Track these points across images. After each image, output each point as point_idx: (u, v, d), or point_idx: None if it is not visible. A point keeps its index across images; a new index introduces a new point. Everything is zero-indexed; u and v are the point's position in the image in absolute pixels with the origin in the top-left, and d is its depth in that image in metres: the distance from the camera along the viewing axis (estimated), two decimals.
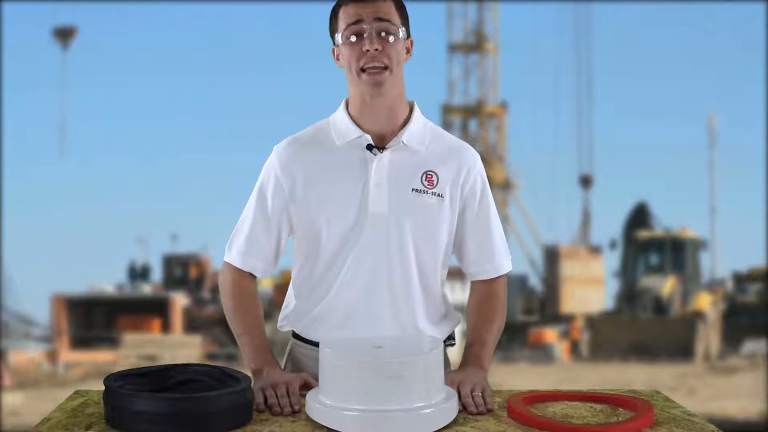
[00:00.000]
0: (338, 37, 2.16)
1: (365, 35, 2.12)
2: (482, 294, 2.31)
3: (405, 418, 1.82)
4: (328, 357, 1.88)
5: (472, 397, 2.01)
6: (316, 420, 1.88)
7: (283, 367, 2.28)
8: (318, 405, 1.88)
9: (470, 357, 2.20)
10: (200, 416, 1.82)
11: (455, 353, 2.42)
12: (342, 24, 2.15)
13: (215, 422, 1.83)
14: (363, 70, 2.13)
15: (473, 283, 2.33)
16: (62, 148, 39.39)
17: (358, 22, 2.12)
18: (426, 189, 2.20)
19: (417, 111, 2.25)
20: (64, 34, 34.02)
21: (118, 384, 1.91)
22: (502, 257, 2.31)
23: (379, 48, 2.12)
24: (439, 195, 2.21)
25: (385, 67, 2.13)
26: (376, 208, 2.18)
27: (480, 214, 2.27)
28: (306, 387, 2.04)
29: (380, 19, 2.12)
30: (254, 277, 2.28)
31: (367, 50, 2.12)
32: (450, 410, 1.90)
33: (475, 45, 35.94)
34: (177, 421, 1.80)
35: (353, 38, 2.13)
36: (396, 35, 2.14)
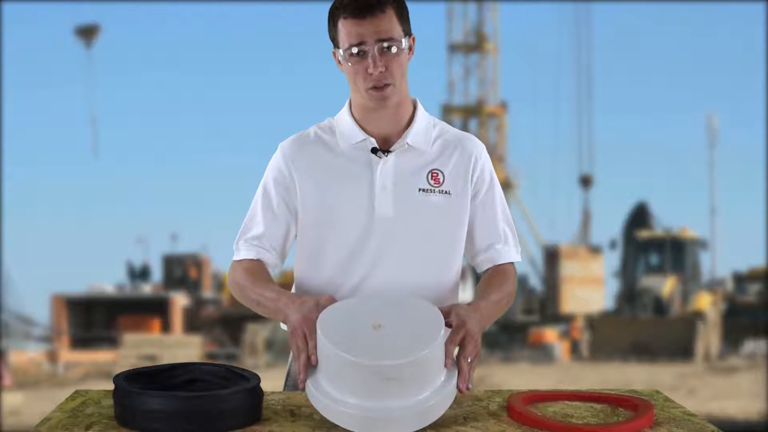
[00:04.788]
0: (340, 52, 2.14)
1: (369, 55, 2.10)
2: (492, 272, 2.27)
3: (404, 412, 1.81)
4: (327, 349, 1.85)
5: (461, 363, 1.91)
6: (315, 406, 1.86)
7: (288, 363, 2.29)
8: (319, 394, 1.86)
9: (471, 303, 2.10)
10: (213, 414, 1.82)
11: None
12: (343, 40, 2.12)
13: (227, 420, 1.83)
14: (369, 88, 2.12)
15: (483, 272, 2.31)
16: (95, 146, 39.38)
17: (360, 43, 2.10)
18: (433, 188, 2.20)
19: (420, 109, 2.25)
20: (87, 33, 33.90)
21: (127, 383, 1.91)
22: (509, 246, 2.30)
23: (383, 69, 2.10)
24: (446, 192, 2.20)
25: (390, 84, 2.12)
26: (383, 211, 2.17)
27: (486, 203, 2.27)
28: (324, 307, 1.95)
29: (382, 39, 2.09)
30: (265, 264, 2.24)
31: (371, 73, 2.10)
32: (448, 395, 1.86)
33: (475, 45, 35.91)
34: (190, 419, 1.81)
35: (356, 54, 2.10)
36: (399, 47, 2.12)
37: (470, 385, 1.93)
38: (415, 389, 1.83)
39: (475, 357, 1.94)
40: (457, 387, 1.90)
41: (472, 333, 1.94)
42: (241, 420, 1.86)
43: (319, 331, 1.89)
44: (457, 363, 1.92)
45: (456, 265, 2.27)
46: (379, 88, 2.12)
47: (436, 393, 1.85)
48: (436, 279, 2.23)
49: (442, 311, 1.94)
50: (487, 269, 2.29)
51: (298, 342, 1.93)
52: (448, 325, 1.93)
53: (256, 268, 2.22)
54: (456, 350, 1.93)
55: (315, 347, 1.89)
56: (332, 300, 1.98)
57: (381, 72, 2.10)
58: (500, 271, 2.28)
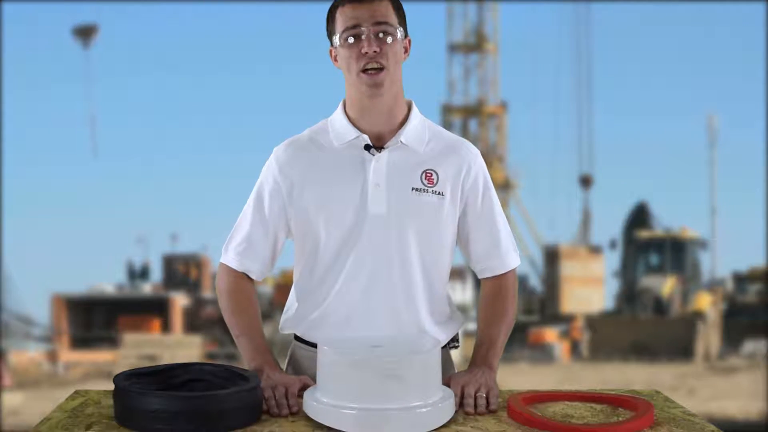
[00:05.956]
0: (336, 39, 2.16)
1: (363, 37, 2.12)
2: (492, 290, 2.30)
3: (402, 416, 1.82)
4: (327, 356, 1.89)
5: (475, 398, 2.01)
6: (314, 418, 1.88)
7: (284, 369, 2.29)
8: (315, 403, 1.88)
9: (478, 357, 2.20)
10: (213, 414, 1.83)
11: (458, 356, 2.43)
12: (339, 26, 2.15)
13: (227, 420, 1.84)
14: (362, 71, 2.13)
15: (482, 280, 2.33)
16: (94, 147, 39.53)
17: (356, 26, 2.12)
18: (426, 188, 2.20)
19: (415, 110, 2.25)
20: (85, 33, 33.86)
21: (127, 383, 1.91)
22: (509, 252, 2.31)
23: (378, 50, 2.12)
24: (439, 193, 2.20)
25: (384, 68, 2.13)
26: (376, 209, 2.18)
27: (483, 210, 2.27)
28: (305, 389, 2.04)
29: (378, 23, 2.12)
30: (251, 278, 2.28)
31: (366, 52, 2.12)
32: (447, 409, 1.90)
33: (475, 45, 35.91)
34: (190, 419, 1.82)
35: (351, 40, 2.13)
36: (394, 36, 2.14)
37: (484, 410, 2.00)
38: (414, 394, 1.85)
39: (488, 390, 2.06)
40: (465, 408, 1.99)
41: (487, 385, 2.07)
42: (241, 420, 1.87)
43: (320, 345, 1.92)
44: (466, 398, 2.02)
45: (446, 266, 2.28)
46: (373, 72, 2.13)
47: (434, 404, 1.87)
48: (426, 278, 2.23)
49: (455, 379, 2.08)
50: (487, 280, 2.31)
51: (275, 392, 2.01)
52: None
53: (240, 290, 2.26)
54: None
55: (297, 389, 2.01)
56: (311, 381, 2.07)
57: (375, 52, 2.12)
58: (501, 287, 2.30)
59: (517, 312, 2.33)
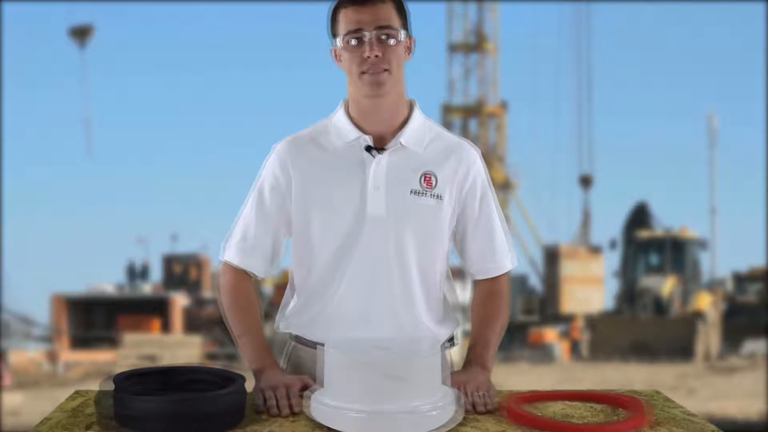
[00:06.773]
0: (338, 41, 2.16)
1: (365, 41, 2.12)
2: (485, 292, 2.31)
3: (408, 418, 1.82)
4: (331, 357, 1.88)
5: (473, 398, 2.02)
6: (319, 420, 1.88)
7: (282, 366, 2.29)
8: (319, 405, 1.88)
9: (473, 357, 2.21)
10: (198, 416, 1.82)
11: (456, 354, 2.42)
12: (342, 29, 2.14)
13: (212, 422, 1.84)
14: (363, 72, 2.14)
15: (476, 281, 2.33)
16: (89, 146, 39.79)
17: (358, 30, 2.12)
18: (425, 191, 2.20)
19: (417, 110, 2.25)
20: (81, 34, 33.98)
21: (125, 384, 1.91)
22: (504, 255, 2.31)
23: (380, 54, 2.12)
24: (438, 196, 2.20)
25: (386, 70, 2.13)
26: (375, 211, 2.18)
27: (481, 212, 2.27)
28: (305, 389, 2.04)
29: (380, 27, 2.12)
30: (252, 276, 2.27)
31: (367, 57, 2.12)
32: (450, 410, 1.90)
33: (475, 45, 35.88)
34: (188, 419, 1.82)
35: (353, 42, 2.13)
36: (396, 38, 2.14)
37: (483, 408, 2.01)
38: (417, 394, 1.84)
39: (485, 390, 2.07)
40: (465, 407, 1.98)
41: (484, 385, 2.08)
42: (226, 422, 1.86)
43: (326, 346, 1.92)
44: (464, 391, 2.02)
45: (444, 267, 2.28)
46: (375, 73, 2.13)
47: (437, 405, 1.87)
48: (424, 280, 2.23)
49: (451, 380, 2.05)
50: (481, 282, 2.32)
51: (276, 393, 2.00)
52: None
53: (241, 289, 2.25)
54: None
55: (299, 389, 2.01)
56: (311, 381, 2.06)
57: (377, 56, 2.12)
58: (495, 289, 2.31)
59: (509, 314, 2.34)
